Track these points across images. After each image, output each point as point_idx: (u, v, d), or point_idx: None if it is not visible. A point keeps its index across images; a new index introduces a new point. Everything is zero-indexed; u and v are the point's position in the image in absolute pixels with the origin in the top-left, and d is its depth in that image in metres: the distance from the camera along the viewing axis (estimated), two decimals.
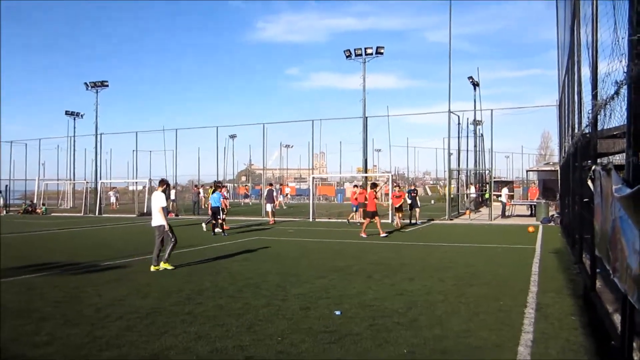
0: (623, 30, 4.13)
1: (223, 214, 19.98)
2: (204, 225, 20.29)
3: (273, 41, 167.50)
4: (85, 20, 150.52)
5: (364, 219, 18.78)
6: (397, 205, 22.28)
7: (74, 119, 39.42)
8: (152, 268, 10.69)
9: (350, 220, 23.82)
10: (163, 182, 11.66)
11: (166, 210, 11.21)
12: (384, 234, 17.43)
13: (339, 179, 56.64)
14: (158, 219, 11.01)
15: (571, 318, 6.61)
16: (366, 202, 18.29)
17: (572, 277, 9.39)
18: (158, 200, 11.08)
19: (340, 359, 5.12)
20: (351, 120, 29.91)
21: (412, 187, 25.47)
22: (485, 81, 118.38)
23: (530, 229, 18.95)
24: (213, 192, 19.83)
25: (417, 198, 24.24)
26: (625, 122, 4.07)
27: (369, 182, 22.97)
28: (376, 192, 18.59)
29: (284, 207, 37.68)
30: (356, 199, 24.54)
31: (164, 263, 10.85)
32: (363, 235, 17.47)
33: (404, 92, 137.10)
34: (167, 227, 10.94)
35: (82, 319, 6.68)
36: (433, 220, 25.06)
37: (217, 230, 18.91)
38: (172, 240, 10.94)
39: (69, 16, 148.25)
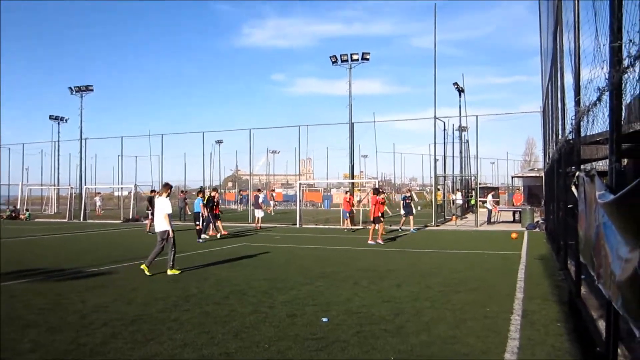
0: (604, 37, 4.18)
1: (217, 219, 19.98)
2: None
3: (259, 46, 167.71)
4: (68, 24, 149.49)
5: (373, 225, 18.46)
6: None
7: (59, 124, 39.07)
8: (142, 266, 10.72)
9: (347, 229, 23.82)
10: (167, 187, 11.44)
11: (171, 217, 11.04)
12: (373, 242, 17.39)
13: (325, 185, 56.65)
14: (163, 225, 10.91)
15: (557, 324, 6.65)
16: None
17: (558, 283, 9.47)
18: (163, 207, 10.93)
19: None
20: (338, 126, 29.96)
21: (408, 194, 25.18)
22: (471, 87, 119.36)
23: (514, 235, 19.02)
24: (210, 198, 19.82)
25: (412, 205, 24.15)
26: (608, 129, 4.13)
27: (356, 188, 22.83)
28: (379, 198, 18.38)
29: (272, 214, 37.57)
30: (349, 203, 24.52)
31: (171, 270, 10.78)
32: (380, 242, 17.36)
33: (390, 98, 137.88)
34: (171, 234, 10.84)
35: (67, 326, 6.59)
36: (427, 226, 25.12)
37: (203, 235, 18.84)
38: (172, 247, 10.84)
39: (50, 20, 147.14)
